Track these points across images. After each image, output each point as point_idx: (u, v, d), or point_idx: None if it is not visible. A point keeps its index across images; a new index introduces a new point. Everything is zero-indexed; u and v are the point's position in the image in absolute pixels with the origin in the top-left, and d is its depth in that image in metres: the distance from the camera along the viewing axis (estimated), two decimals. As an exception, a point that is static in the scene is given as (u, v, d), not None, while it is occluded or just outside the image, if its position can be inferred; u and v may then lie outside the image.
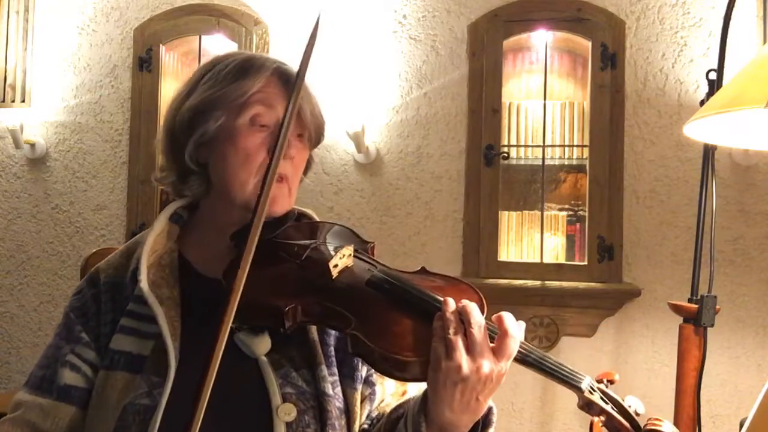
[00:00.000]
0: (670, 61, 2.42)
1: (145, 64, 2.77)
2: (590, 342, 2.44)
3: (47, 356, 0.96)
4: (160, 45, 2.77)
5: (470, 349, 0.76)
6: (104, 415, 0.87)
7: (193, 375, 0.86)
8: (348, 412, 0.91)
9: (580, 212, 2.55)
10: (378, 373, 0.92)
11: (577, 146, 2.56)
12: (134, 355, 0.90)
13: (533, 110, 2.60)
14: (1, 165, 2.93)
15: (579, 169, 2.61)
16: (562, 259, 2.52)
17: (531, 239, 2.57)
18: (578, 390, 0.84)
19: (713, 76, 1.62)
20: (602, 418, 0.84)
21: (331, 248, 0.94)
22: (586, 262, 2.43)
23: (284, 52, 2.64)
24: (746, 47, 2.31)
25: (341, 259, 0.90)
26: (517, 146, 2.60)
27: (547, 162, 2.55)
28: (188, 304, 0.94)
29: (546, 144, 2.53)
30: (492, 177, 2.50)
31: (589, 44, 2.46)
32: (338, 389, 0.91)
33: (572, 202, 2.62)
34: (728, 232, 2.35)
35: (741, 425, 1.15)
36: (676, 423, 1.60)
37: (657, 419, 0.84)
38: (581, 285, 2.39)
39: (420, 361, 0.79)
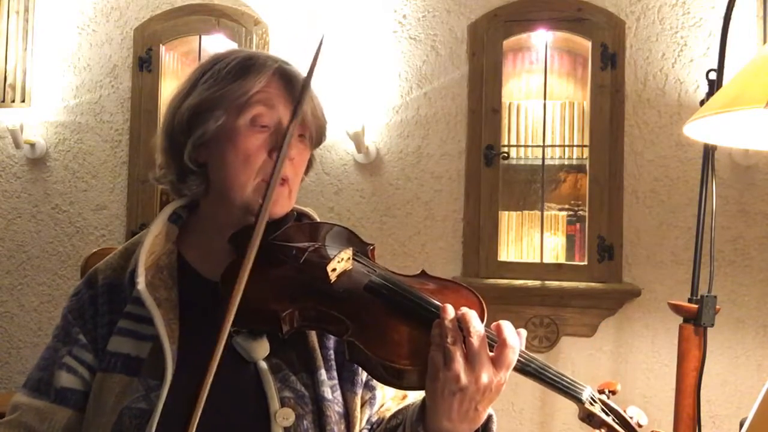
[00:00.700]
0: (670, 61, 2.42)
1: (145, 64, 2.77)
2: (590, 342, 2.44)
3: (45, 358, 0.96)
4: (160, 45, 2.77)
5: (469, 358, 0.75)
6: (101, 418, 0.87)
7: (190, 378, 0.84)
8: (348, 416, 0.90)
9: (580, 212, 2.55)
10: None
11: (577, 146, 2.56)
12: (132, 358, 0.89)
13: (533, 110, 2.60)
14: (1, 165, 2.93)
15: (579, 169, 2.61)
16: (562, 259, 2.52)
17: (531, 239, 2.57)
18: (578, 401, 0.82)
19: (713, 76, 1.62)
20: (603, 430, 0.82)
21: (329, 251, 0.92)
22: (586, 262, 2.43)
23: (284, 52, 2.64)
24: (746, 47, 2.31)
25: (339, 263, 0.88)
26: (517, 146, 2.60)
27: (547, 162, 2.55)
28: (187, 306, 0.93)
29: (546, 144, 2.54)
30: (492, 177, 2.50)
31: (589, 44, 2.46)
32: (338, 393, 0.90)
33: (572, 202, 2.62)
34: (728, 232, 2.35)
35: (741, 425, 1.15)
36: (676, 423, 1.60)
37: None
38: (581, 285, 2.39)
39: (418, 370, 0.77)
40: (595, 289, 2.39)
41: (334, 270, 0.87)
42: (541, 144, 2.54)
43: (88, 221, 2.85)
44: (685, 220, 2.38)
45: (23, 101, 2.89)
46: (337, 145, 2.62)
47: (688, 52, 2.41)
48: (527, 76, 2.69)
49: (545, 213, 2.53)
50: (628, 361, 2.42)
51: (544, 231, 2.52)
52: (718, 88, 1.56)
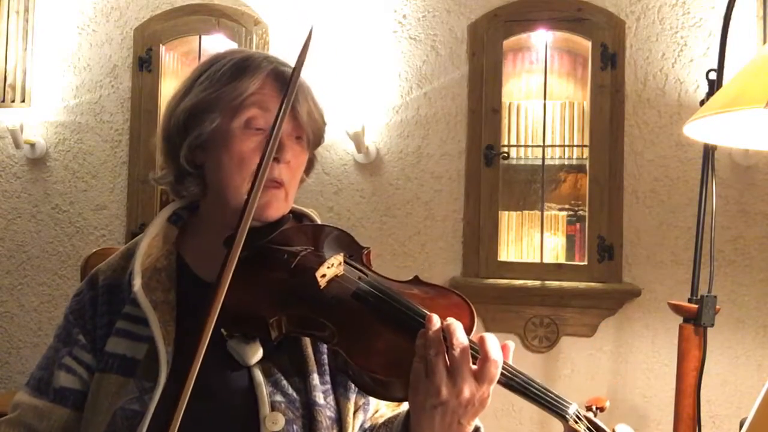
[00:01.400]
0: (670, 61, 2.42)
1: (145, 64, 2.77)
2: (590, 342, 2.44)
3: (46, 358, 0.97)
4: (160, 45, 2.77)
5: (451, 372, 0.73)
6: (96, 418, 0.87)
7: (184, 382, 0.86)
8: (340, 421, 0.89)
9: (580, 212, 2.55)
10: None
11: (577, 146, 2.56)
12: (128, 359, 0.89)
13: (533, 110, 2.60)
14: (1, 165, 2.93)
15: (579, 169, 2.61)
16: (562, 259, 2.52)
17: (531, 239, 2.57)
18: (563, 418, 0.78)
19: (713, 76, 1.62)
20: None
21: (322, 256, 0.91)
22: (586, 262, 2.43)
23: (284, 52, 2.63)
24: (746, 47, 2.31)
25: (329, 269, 0.87)
26: (517, 146, 2.60)
27: (547, 162, 2.55)
28: (185, 308, 0.92)
29: (546, 144, 2.54)
30: (492, 177, 2.50)
31: (589, 44, 2.46)
32: (330, 398, 0.90)
33: (572, 202, 2.62)
34: (728, 232, 2.35)
35: (741, 425, 1.15)
36: (676, 423, 1.60)
37: None
38: (581, 285, 2.39)
39: (401, 382, 0.76)
40: (595, 289, 2.39)
41: (323, 276, 0.86)
42: (541, 144, 2.54)
43: (88, 221, 2.85)
44: (685, 220, 2.38)
45: (23, 101, 2.89)
46: (337, 145, 2.62)
47: (688, 52, 2.41)
48: (527, 76, 2.69)
49: (545, 213, 2.53)
50: (628, 361, 2.42)
51: (544, 231, 2.52)
52: (718, 88, 1.56)
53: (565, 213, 2.58)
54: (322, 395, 0.88)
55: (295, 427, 0.85)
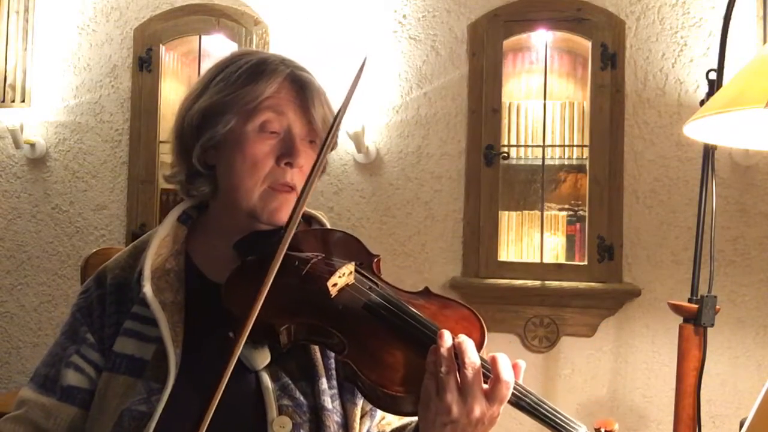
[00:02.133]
0: (670, 61, 2.42)
1: (145, 64, 2.77)
2: (590, 342, 2.44)
3: (52, 354, 0.96)
4: (160, 45, 2.77)
5: (462, 390, 0.73)
6: (103, 418, 0.87)
7: (192, 384, 0.84)
8: (347, 426, 0.89)
9: (580, 212, 2.55)
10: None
11: (577, 146, 2.56)
12: (136, 359, 0.89)
13: (533, 110, 2.60)
14: (1, 165, 2.93)
15: (579, 169, 2.61)
16: (562, 259, 2.52)
17: (531, 239, 2.57)
18: None
19: (713, 76, 1.62)
20: None
21: (333, 263, 0.90)
22: (586, 262, 2.43)
23: (284, 52, 2.63)
24: (746, 47, 2.31)
25: (341, 278, 0.86)
26: (517, 146, 2.60)
27: (547, 162, 2.55)
28: (193, 309, 0.92)
29: (546, 144, 2.54)
30: (492, 177, 2.50)
31: (589, 44, 2.46)
32: (337, 403, 0.89)
33: (572, 202, 2.62)
34: (728, 232, 2.35)
35: (741, 425, 1.15)
36: (676, 423, 1.60)
37: None
38: (581, 285, 2.39)
39: (411, 398, 0.75)
40: (595, 289, 2.39)
41: (335, 285, 0.85)
42: (541, 144, 2.54)
43: (88, 221, 2.85)
44: (685, 220, 2.38)
45: (23, 101, 2.89)
46: (337, 145, 2.61)
47: (688, 52, 2.41)
48: (527, 76, 2.69)
49: (545, 213, 2.53)
50: (628, 361, 2.42)
51: (544, 231, 2.52)
52: (718, 88, 1.56)
53: (565, 213, 2.58)
54: (329, 399, 0.88)
55: (302, 431, 0.84)
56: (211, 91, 0.94)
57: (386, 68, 2.61)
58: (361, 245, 0.98)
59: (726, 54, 1.60)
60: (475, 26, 2.56)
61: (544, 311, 2.46)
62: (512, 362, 0.77)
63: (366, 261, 0.94)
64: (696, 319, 1.59)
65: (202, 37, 2.79)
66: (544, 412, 0.77)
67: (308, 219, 1.05)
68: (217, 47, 2.80)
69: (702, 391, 1.60)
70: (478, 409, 0.73)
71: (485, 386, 0.75)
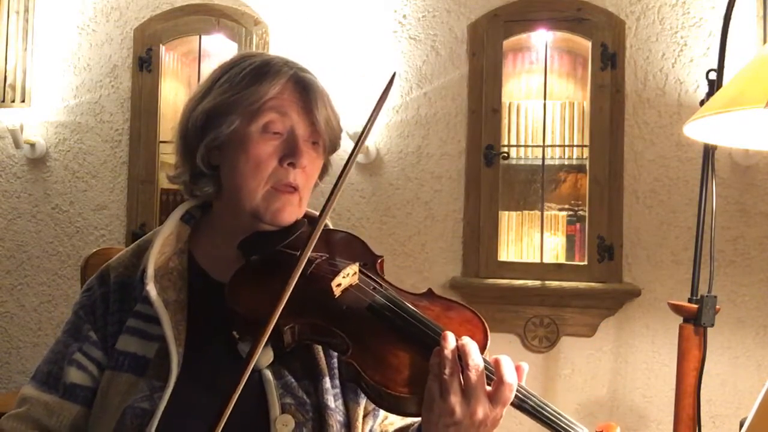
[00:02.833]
0: (670, 61, 2.42)
1: (145, 64, 2.77)
2: (590, 342, 2.44)
3: (55, 352, 0.96)
4: (160, 45, 2.77)
5: (465, 392, 0.74)
6: (106, 415, 0.87)
7: (195, 382, 0.85)
8: (349, 426, 0.89)
9: (580, 212, 2.55)
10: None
11: (577, 146, 2.56)
12: (139, 357, 0.89)
13: (533, 110, 2.60)
14: (1, 165, 2.93)
15: (579, 169, 2.61)
16: (562, 259, 2.52)
17: (531, 239, 2.57)
18: None
19: (713, 76, 1.62)
20: None
21: (337, 264, 0.90)
22: (586, 262, 2.43)
23: (284, 52, 2.64)
24: (746, 47, 2.31)
25: (345, 278, 0.87)
26: (517, 146, 2.60)
27: (547, 162, 2.55)
28: (196, 307, 0.93)
29: (546, 144, 2.54)
30: (492, 177, 2.50)
31: (589, 44, 2.46)
32: (340, 402, 0.90)
33: (572, 202, 2.62)
34: (728, 232, 2.35)
35: (741, 425, 1.15)
36: (676, 423, 1.60)
37: None
38: (581, 285, 2.39)
39: (415, 399, 0.76)
40: (595, 289, 2.39)
41: (339, 285, 0.86)
42: (541, 144, 2.54)
43: (88, 221, 2.85)
44: (685, 220, 2.38)
45: (23, 101, 2.89)
46: (337, 145, 2.61)
47: (688, 52, 2.41)
48: (527, 76, 2.69)
49: (545, 213, 2.53)
50: (628, 361, 2.42)
51: (544, 231, 2.52)
52: (718, 88, 1.56)
53: (565, 213, 2.58)
54: (332, 399, 0.88)
55: (305, 429, 0.85)
56: (216, 92, 0.95)
57: (386, 68, 2.61)
58: (365, 246, 0.98)
59: (726, 54, 1.60)
60: (475, 26, 2.56)
61: (544, 311, 2.46)
62: (515, 364, 0.78)
63: (370, 262, 0.95)
64: (696, 319, 1.59)
65: (202, 37, 2.79)
66: (546, 414, 0.78)
67: (312, 219, 1.05)
68: (217, 47, 2.80)
69: (702, 391, 1.60)
70: (481, 411, 0.74)
71: (488, 388, 0.75)
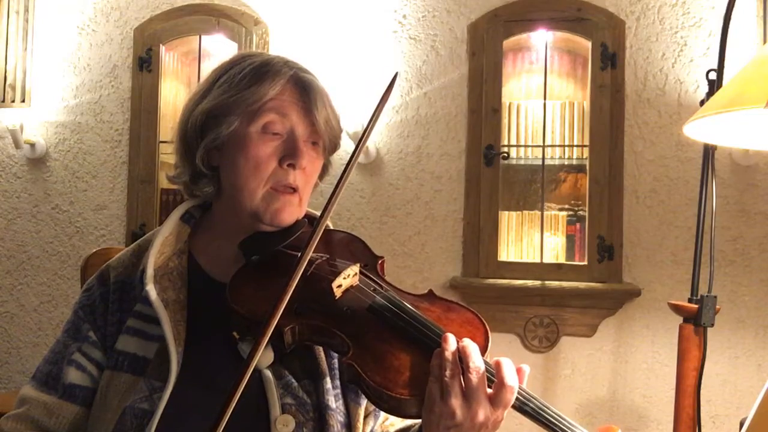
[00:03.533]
0: (670, 61, 2.42)
1: (145, 64, 2.77)
2: (590, 342, 2.44)
3: (54, 352, 0.96)
4: (160, 45, 2.77)
5: (466, 394, 0.74)
6: (105, 415, 0.87)
7: (194, 382, 0.85)
8: (350, 426, 0.89)
9: (580, 212, 2.55)
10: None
11: (577, 146, 2.56)
12: (138, 357, 0.89)
13: (533, 110, 2.60)
14: (1, 165, 2.93)
15: (579, 169, 2.61)
16: (562, 259, 2.52)
17: (531, 239, 2.57)
18: None
19: (713, 76, 1.62)
20: None
21: (338, 264, 0.90)
22: (586, 262, 2.43)
23: (284, 52, 2.64)
24: (746, 47, 2.31)
25: (346, 279, 0.86)
26: (517, 146, 2.60)
27: (547, 162, 2.55)
28: (196, 308, 0.93)
29: (546, 144, 2.54)
30: (492, 177, 2.50)
31: (589, 44, 2.46)
32: (340, 403, 0.90)
33: (572, 202, 2.62)
34: (728, 232, 2.35)
35: (741, 425, 1.15)
36: (676, 423, 1.60)
37: None
38: (581, 285, 2.39)
39: (415, 401, 0.75)
40: (595, 289, 2.39)
41: (339, 286, 0.86)
42: (541, 144, 2.54)
43: (88, 221, 2.85)
44: (685, 220, 2.38)
45: (23, 101, 2.89)
46: (337, 145, 2.61)
47: (688, 52, 2.41)
48: (527, 76, 2.69)
49: (545, 213, 2.53)
50: (628, 361, 2.42)
51: (544, 231, 2.52)
52: (718, 88, 1.56)
53: (565, 213, 2.58)
54: (333, 399, 0.88)
55: (305, 430, 0.85)
56: (215, 92, 0.95)
57: (386, 68, 2.61)
58: (366, 246, 0.98)
59: (726, 54, 1.61)
60: (475, 26, 2.56)
61: (544, 311, 2.46)
62: (516, 367, 0.78)
63: (370, 262, 0.94)
64: (696, 319, 1.59)
65: (202, 37, 2.79)
66: (547, 417, 0.78)
67: (313, 220, 1.05)
68: (217, 47, 2.80)
69: (702, 391, 1.60)
70: (482, 413, 0.74)
71: (489, 390, 0.75)
